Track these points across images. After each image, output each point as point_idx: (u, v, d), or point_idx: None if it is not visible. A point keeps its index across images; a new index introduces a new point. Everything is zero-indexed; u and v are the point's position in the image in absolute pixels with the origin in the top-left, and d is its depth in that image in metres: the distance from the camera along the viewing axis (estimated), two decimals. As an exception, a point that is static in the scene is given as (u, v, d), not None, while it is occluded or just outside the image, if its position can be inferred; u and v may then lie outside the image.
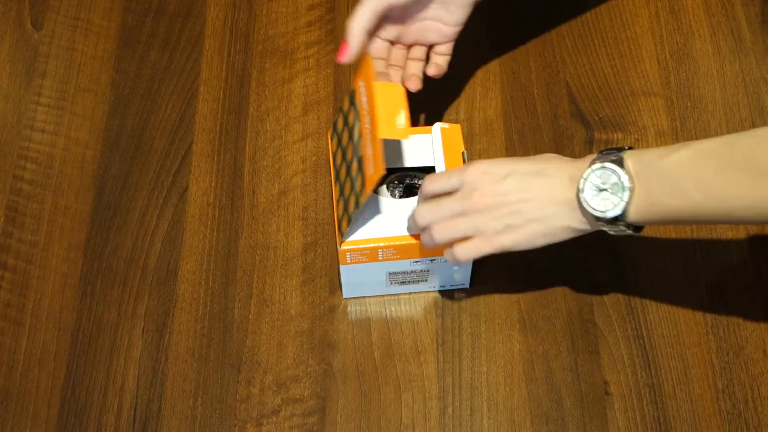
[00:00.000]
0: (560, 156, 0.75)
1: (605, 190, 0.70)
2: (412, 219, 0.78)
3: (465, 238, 0.75)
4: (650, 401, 0.81)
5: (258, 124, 0.95)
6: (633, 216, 0.70)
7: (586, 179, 0.70)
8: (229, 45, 1.00)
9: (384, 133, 0.73)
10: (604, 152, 0.71)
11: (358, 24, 0.80)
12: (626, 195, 0.69)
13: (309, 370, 0.83)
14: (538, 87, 0.97)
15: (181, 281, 0.87)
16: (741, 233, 0.89)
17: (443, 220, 0.75)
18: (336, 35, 1.01)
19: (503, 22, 1.01)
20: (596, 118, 0.95)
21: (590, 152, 0.93)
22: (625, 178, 0.69)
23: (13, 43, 1.01)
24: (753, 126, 0.94)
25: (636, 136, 0.94)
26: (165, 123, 0.96)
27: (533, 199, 0.73)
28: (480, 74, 0.98)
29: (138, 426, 0.81)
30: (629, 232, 0.72)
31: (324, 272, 0.87)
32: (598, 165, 0.70)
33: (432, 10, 0.83)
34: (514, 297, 0.86)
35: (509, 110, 0.96)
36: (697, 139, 0.93)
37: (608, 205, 0.69)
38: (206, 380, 0.83)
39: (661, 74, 0.98)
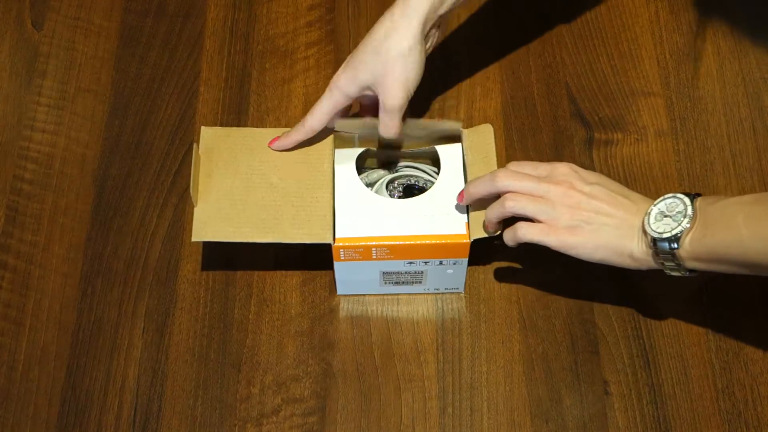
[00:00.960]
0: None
1: (669, 216, 0.71)
2: (488, 180, 0.77)
3: (530, 221, 0.76)
4: (650, 401, 0.81)
5: (258, 124, 0.95)
6: (687, 247, 0.71)
7: (656, 205, 0.73)
8: (229, 45, 1.00)
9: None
10: (683, 193, 0.73)
11: (316, 123, 0.83)
12: (686, 221, 0.70)
13: (309, 369, 0.83)
14: (538, 87, 0.97)
15: (182, 281, 0.87)
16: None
17: (523, 192, 0.76)
18: (336, 35, 1.01)
19: (503, 22, 1.01)
20: (596, 118, 0.95)
21: (590, 152, 0.93)
22: (690, 208, 0.71)
23: (14, 43, 1.01)
24: (753, 127, 0.94)
25: (636, 136, 0.94)
26: (165, 123, 0.96)
27: (612, 214, 0.74)
28: (480, 74, 0.98)
29: (138, 426, 0.81)
30: (683, 272, 0.73)
31: (324, 272, 0.88)
32: (669, 195, 0.72)
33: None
34: (514, 297, 0.86)
35: (509, 110, 0.96)
36: (696, 139, 0.93)
37: (666, 229, 0.71)
38: (206, 380, 0.83)
39: (660, 74, 0.98)
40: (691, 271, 0.73)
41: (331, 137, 0.84)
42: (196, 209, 0.79)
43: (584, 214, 0.74)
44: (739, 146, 0.93)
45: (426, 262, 0.81)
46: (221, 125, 0.95)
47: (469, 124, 0.95)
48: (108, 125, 0.96)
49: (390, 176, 0.87)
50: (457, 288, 0.86)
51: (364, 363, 0.84)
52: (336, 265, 0.81)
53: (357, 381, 0.83)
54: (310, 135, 0.82)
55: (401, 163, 0.87)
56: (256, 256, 0.88)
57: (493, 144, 0.83)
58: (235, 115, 0.96)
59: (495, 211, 0.76)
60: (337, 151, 0.84)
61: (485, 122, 0.95)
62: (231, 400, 0.82)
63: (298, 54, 1.00)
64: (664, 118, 0.95)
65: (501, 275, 0.87)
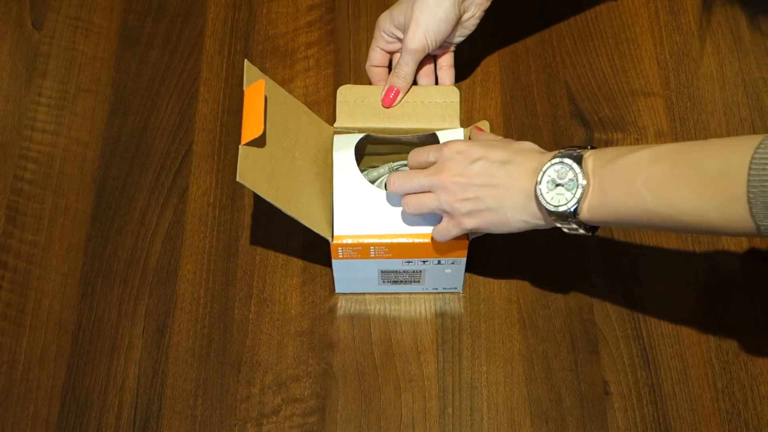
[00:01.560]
0: (534, 147, 0.75)
1: (561, 185, 0.69)
2: (389, 186, 0.78)
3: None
4: (650, 401, 0.81)
5: (258, 124, 0.95)
6: (586, 214, 0.69)
7: (544, 172, 0.70)
8: (229, 45, 1.00)
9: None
10: (568, 148, 0.71)
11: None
12: (579, 192, 0.68)
13: (309, 369, 0.83)
14: (538, 87, 0.97)
15: (182, 281, 0.87)
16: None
17: (413, 194, 0.76)
18: (336, 35, 1.01)
19: (503, 23, 1.01)
20: (596, 118, 0.95)
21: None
22: (580, 175, 0.68)
23: (14, 44, 1.01)
24: (753, 127, 0.94)
25: (636, 136, 0.94)
26: (165, 123, 0.96)
27: (496, 186, 0.73)
28: (480, 74, 0.98)
29: (138, 426, 0.81)
30: (582, 231, 0.71)
31: (324, 272, 0.88)
32: (557, 160, 0.70)
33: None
34: (514, 297, 0.86)
35: (509, 110, 0.96)
36: (696, 139, 0.93)
37: (561, 201, 0.69)
38: (206, 380, 0.83)
39: (660, 74, 0.98)
40: (593, 229, 0.72)
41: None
42: (241, 148, 0.76)
43: (471, 198, 0.73)
44: (739, 146, 0.93)
45: (424, 262, 0.81)
46: (221, 125, 0.95)
47: (470, 124, 0.95)
48: (108, 125, 0.96)
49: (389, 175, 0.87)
50: (456, 288, 0.86)
51: (364, 363, 0.84)
52: (335, 263, 0.81)
53: (357, 381, 0.83)
54: (372, 75, 0.90)
55: (399, 163, 0.87)
56: (256, 255, 0.88)
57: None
58: (235, 115, 0.96)
59: (408, 216, 0.79)
60: (336, 137, 0.84)
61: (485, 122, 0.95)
62: (231, 400, 0.82)
63: (298, 54, 1.00)
64: (664, 118, 0.95)
65: (501, 275, 0.87)
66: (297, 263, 0.88)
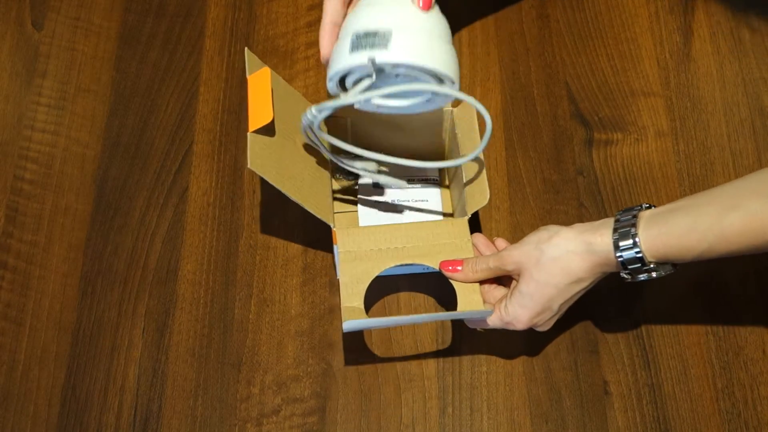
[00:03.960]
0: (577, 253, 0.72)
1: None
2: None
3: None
4: (650, 401, 0.81)
5: (258, 124, 0.95)
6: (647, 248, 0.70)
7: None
8: (229, 45, 1.00)
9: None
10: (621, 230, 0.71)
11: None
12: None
13: (309, 369, 0.83)
14: (538, 87, 0.97)
15: (182, 281, 0.87)
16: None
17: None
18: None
19: (503, 23, 1.01)
20: (596, 118, 0.95)
21: (589, 152, 0.93)
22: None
23: (14, 44, 1.01)
24: (753, 127, 0.94)
25: (635, 136, 0.94)
26: (165, 123, 0.96)
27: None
28: (480, 74, 0.98)
29: (138, 426, 0.81)
30: (660, 271, 0.72)
31: (324, 272, 0.88)
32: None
33: None
34: (513, 297, 0.86)
35: (509, 110, 0.96)
36: (696, 138, 0.93)
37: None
38: (206, 380, 0.83)
39: (660, 74, 0.98)
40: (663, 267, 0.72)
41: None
42: (250, 135, 0.76)
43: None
44: (739, 146, 0.93)
45: (426, 268, 0.82)
46: (221, 125, 0.95)
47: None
48: (108, 125, 0.96)
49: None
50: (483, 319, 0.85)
51: (364, 363, 0.84)
52: (336, 248, 0.81)
53: (357, 381, 0.83)
54: (327, 28, 0.75)
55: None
56: (256, 255, 0.88)
57: (475, 117, 0.83)
58: (235, 115, 0.96)
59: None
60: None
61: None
62: (231, 400, 0.82)
63: (298, 54, 1.00)
64: (664, 118, 0.95)
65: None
66: (297, 263, 0.88)
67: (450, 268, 0.76)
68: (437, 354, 0.84)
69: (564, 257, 0.71)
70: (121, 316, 0.86)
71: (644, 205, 0.72)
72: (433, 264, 0.77)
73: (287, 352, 0.84)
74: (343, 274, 0.77)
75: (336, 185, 0.87)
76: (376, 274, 0.77)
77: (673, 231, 0.68)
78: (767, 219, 0.64)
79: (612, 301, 0.86)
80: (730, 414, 0.81)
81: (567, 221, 0.89)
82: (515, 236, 0.88)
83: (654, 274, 0.71)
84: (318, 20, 1.02)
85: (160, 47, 1.00)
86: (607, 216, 0.84)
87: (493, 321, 0.76)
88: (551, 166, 0.92)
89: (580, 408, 0.81)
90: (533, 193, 0.91)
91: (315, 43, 1.01)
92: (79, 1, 1.03)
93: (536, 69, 0.98)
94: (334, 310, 0.86)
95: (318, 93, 0.97)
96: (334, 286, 0.87)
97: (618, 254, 0.70)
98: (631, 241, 0.69)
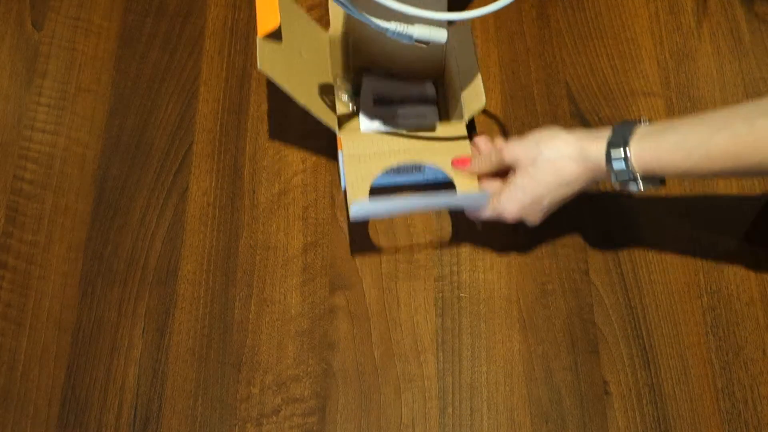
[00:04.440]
0: (570, 154, 0.76)
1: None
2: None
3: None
4: (650, 401, 0.81)
5: (258, 124, 0.95)
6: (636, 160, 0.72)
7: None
8: (229, 45, 1.00)
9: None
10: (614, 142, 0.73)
11: None
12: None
13: (309, 369, 0.83)
14: (538, 87, 0.97)
15: (182, 281, 0.87)
16: (741, 233, 0.89)
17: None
18: (336, 35, 1.01)
19: (503, 23, 1.01)
20: (596, 118, 0.95)
21: (590, 152, 0.93)
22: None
23: (14, 44, 1.01)
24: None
25: (636, 136, 0.94)
26: (165, 123, 0.96)
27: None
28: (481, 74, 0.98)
29: (138, 425, 0.81)
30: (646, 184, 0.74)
31: (324, 272, 0.88)
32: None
33: None
34: (514, 297, 0.86)
35: (509, 110, 0.96)
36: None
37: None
38: (206, 380, 0.83)
39: (660, 74, 0.98)
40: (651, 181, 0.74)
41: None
42: (259, 40, 0.78)
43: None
44: (739, 146, 0.93)
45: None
46: (221, 125, 0.95)
47: (470, 123, 0.95)
48: (108, 125, 0.96)
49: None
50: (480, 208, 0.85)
51: (364, 363, 0.84)
52: (340, 154, 0.84)
53: (357, 381, 0.83)
54: None
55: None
56: (256, 255, 0.88)
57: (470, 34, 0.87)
58: (235, 115, 0.96)
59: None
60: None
61: (486, 122, 0.95)
62: (231, 400, 0.82)
63: (298, 54, 1.00)
64: (664, 118, 0.95)
65: (501, 275, 0.87)
66: (297, 263, 0.88)
67: (460, 164, 0.83)
68: (437, 354, 0.84)
69: (559, 160, 0.75)
70: (121, 316, 0.86)
71: (642, 120, 0.75)
72: (435, 160, 0.81)
73: (287, 352, 0.84)
74: (348, 175, 0.80)
75: (339, 107, 0.89)
76: (380, 171, 0.81)
77: (662, 146, 0.70)
78: (750, 141, 0.66)
79: (612, 301, 0.86)
80: (730, 414, 0.81)
81: (567, 221, 0.89)
82: (516, 237, 0.88)
83: (642, 187, 0.73)
84: (318, 20, 1.02)
85: (160, 47, 1.00)
86: (608, 218, 0.85)
87: (487, 211, 0.80)
88: (551, 166, 0.92)
89: (580, 408, 0.81)
90: (533, 193, 0.91)
91: (315, 43, 1.01)
92: (79, 1, 1.03)
93: (536, 69, 0.98)
94: (334, 310, 0.86)
95: (318, 93, 0.97)
96: (334, 286, 0.87)
97: (609, 164, 0.73)
98: (622, 153, 0.72)
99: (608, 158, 0.72)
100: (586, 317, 0.85)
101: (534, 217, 0.78)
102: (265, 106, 0.97)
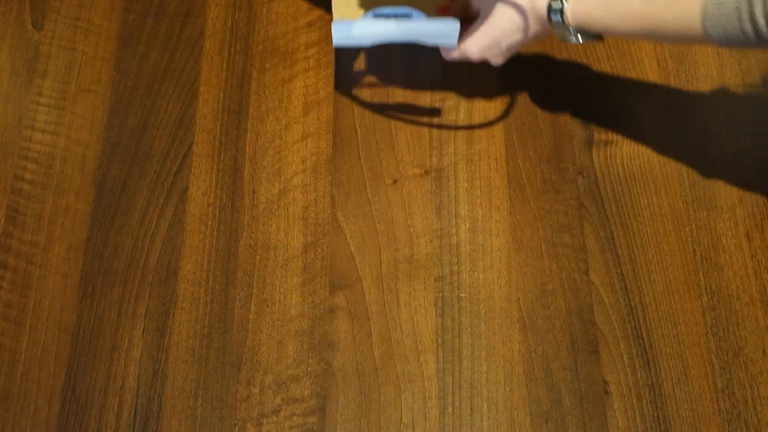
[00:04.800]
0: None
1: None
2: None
3: None
4: (650, 401, 0.81)
5: (258, 124, 0.96)
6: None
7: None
8: (229, 45, 1.00)
9: None
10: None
11: None
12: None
13: (309, 369, 0.83)
14: (538, 87, 0.97)
15: (182, 281, 0.87)
16: (741, 233, 0.89)
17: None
18: (336, 35, 1.01)
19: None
20: (596, 118, 0.95)
21: (589, 152, 0.93)
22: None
23: (14, 44, 1.01)
24: (754, 131, 0.94)
25: (635, 136, 0.94)
26: (165, 123, 0.96)
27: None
28: (480, 75, 0.98)
29: (138, 425, 0.81)
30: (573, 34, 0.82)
31: (324, 272, 0.88)
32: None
33: None
34: (514, 297, 0.86)
35: (509, 110, 0.96)
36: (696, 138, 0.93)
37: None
38: (206, 380, 0.83)
39: (661, 74, 0.98)
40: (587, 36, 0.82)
41: None
42: None
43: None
44: (739, 146, 0.93)
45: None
46: (221, 125, 0.95)
47: (470, 124, 0.95)
48: (108, 125, 0.96)
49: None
50: (450, 43, 0.88)
51: (364, 363, 0.84)
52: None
53: (357, 381, 0.83)
54: None
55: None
56: (256, 255, 0.88)
57: None
58: (235, 115, 0.96)
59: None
60: None
61: (485, 122, 0.95)
62: (231, 400, 0.82)
63: (298, 54, 1.00)
64: (663, 118, 0.95)
65: (501, 275, 0.87)
66: (297, 263, 0.88)
67: (443, 11, 0.89)
68: (437, 354, 0.84)
69: (512, 10, 0.84)
70: (121, 316, 0.86)
71: None
72: (421, 6, 0.87)
73: (287, 352, 0.84)
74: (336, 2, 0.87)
75: None
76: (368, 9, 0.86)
77: (591, 3, 0.80)
78: (660, 9, 0.74)
79: (612, 301, 0.86)
80: (730, 414, 0.80)
81: (567, 221, 0.89)
82: (515, 237, 0.88)
83: (580, 39, 0.82)
84: (318, 20, 1.02)
85: (160, 47, 1.00)
86: (608, 218, 0.85)
87: (455, 53, 0.88)
88: (551, 166, 0.92)
89: (580, 408, 0.81)
90: (533, 193, 0.91)
91: (315, 43, 1.01)
92: (79, 1, 1.03)
93: (536, 69, 0.98)
94: (334, 310, 0.86)
95: (317, 93, 0.97)
96: (334, 286, 0.87)
97: (549, 16, 0.82)
98: (560, 6, 0.81)
99: (549, 11, 0.82)
100: (586, 317, 0.85)
101: (496, 59, 0.87)
102: (265, 106, 0.97)
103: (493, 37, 0.86)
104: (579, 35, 0.82)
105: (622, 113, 0.95)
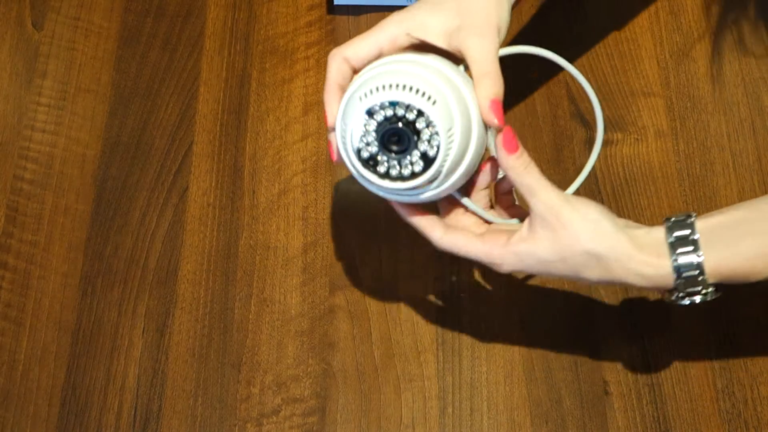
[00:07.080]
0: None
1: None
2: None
3: None
4: (650, 401, 0.81)
5: (258, 124, 0.95)
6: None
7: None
8: (229, 45, 1.00)
9: None
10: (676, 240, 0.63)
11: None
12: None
13: (309, 369, 0.83)
14: (538, 87, 0.97)
15: (182, 281, 0.87)
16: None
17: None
18: (336, 35, 1.01)
19: (503, 23, 1.01)
20: (596, 118, 0.95)
21: (590, 152, 0.93)
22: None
23: (14, 44, 1.01)
24: (753, 127, 0.94)
25: (635, 136, 0.94)
26: (165, 123, 0.96)
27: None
28: (480, 74, 0.98)
29: (138, 426, 0.81)
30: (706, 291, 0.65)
31: (324, 272, 0.88)
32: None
33: None
34: (514, 297, 0.86)
35: (509, 110, 0.96)
36: (696, 138, 0.93)
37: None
38: (206, 380, 0.83)
39: (660, 74, 0.98)
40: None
41: None
42: None
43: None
44: (739, 146, 0.93)
45: None
46: (221, 125, 0.95)
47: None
48: (108, 125, 0.96)
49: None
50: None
51: (364, 363, 0.84)
52: None
53: (357, 381, 0.83)
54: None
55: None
56: (256, 255, 0.88)
57: None
58: (235, 115, 0.96)
59: None
60: None
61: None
62: (231, 400, 0.82)
63: (298, 54, 1.00)
64: (664, 118, 0.95)
65: (501, 275, 0.87)
66: (297, 263, 0.88)
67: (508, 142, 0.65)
68: (437, 354, 0.84)
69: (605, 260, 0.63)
70: (121, 316, 0.86)
71: (692, 215, 0.63)
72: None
73: (287, 352, 0.84)
74: None
75: None
76: None
77: (741, 252, 0.61)
78: None
79: (612, 302, 0.86)
80: (730, 414, 0.80)
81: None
82: (515, 236, 0.88)
83: (699, 299, 0.64)
84: (318, 20, 1.02)
85: (160, 47, 1.00)
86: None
87: (480, 253, 0.67)
88: (551, 166, 0.92)
89: (580, 408, 0.81)
90: (533, 193, 0.91)
91: (315, 43, 1.01)
92: (79, 1, 1.03)
93: (536, 69, 0.98)
94: (334, 310, 0.86)
95: (317, 93, 0.97)
96: (334, 286, 0.87)
97: (678, 280, 0.62)
98: (696, 267, 0.61)
99: (677, 273, 0.62)
100: (586, 317, 0.85)
101: (518, 273, 0.68)
102: (265, 106, 0.97)
103: (550, 268, 0.64)
104: (708, 293, 0.63)
105: (622, 113, 0.95)
